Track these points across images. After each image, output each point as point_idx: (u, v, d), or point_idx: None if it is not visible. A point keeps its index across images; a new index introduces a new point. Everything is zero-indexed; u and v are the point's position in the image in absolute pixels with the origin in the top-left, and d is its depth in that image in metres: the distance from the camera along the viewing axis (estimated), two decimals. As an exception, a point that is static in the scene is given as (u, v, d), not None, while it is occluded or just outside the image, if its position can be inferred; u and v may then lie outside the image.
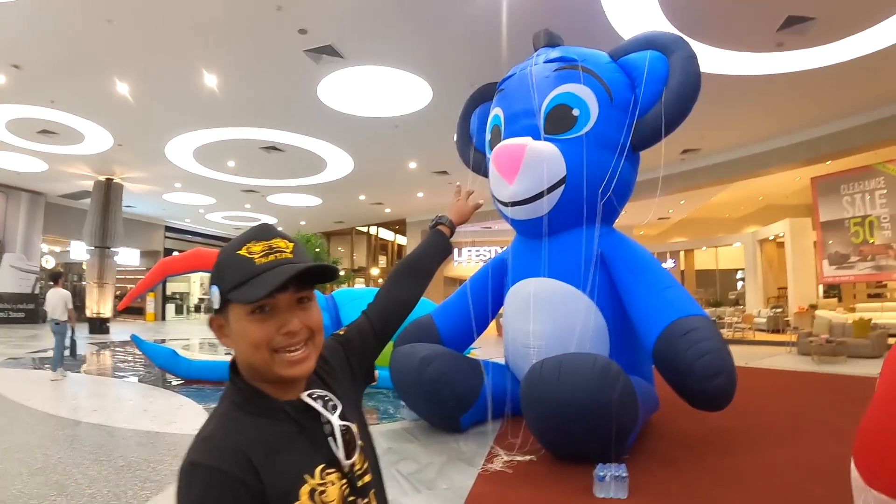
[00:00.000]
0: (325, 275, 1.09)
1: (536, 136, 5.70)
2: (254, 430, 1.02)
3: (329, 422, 1.09)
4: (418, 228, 26.26)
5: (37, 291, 22.25)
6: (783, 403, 7.50)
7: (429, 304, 9.57)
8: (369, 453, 1.20)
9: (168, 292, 31.68)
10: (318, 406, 1.09)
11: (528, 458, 4.94)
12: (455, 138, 7.47)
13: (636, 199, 7.07)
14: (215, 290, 1.06)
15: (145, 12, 8.79)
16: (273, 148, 16.00)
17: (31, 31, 9.45)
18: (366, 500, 1.11)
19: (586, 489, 4.06)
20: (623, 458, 4.48)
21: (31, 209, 22.31)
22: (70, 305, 10.08)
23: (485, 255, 27.91)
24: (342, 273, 22.51)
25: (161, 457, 5.14)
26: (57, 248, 27.75)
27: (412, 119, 13.13)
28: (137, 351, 10.67)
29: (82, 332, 16.47)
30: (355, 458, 1.10)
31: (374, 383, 4.59)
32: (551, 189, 5.54)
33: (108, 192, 20.14)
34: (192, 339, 18.38)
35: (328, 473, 1.04)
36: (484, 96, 6.99)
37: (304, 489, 1.00)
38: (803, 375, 10.22)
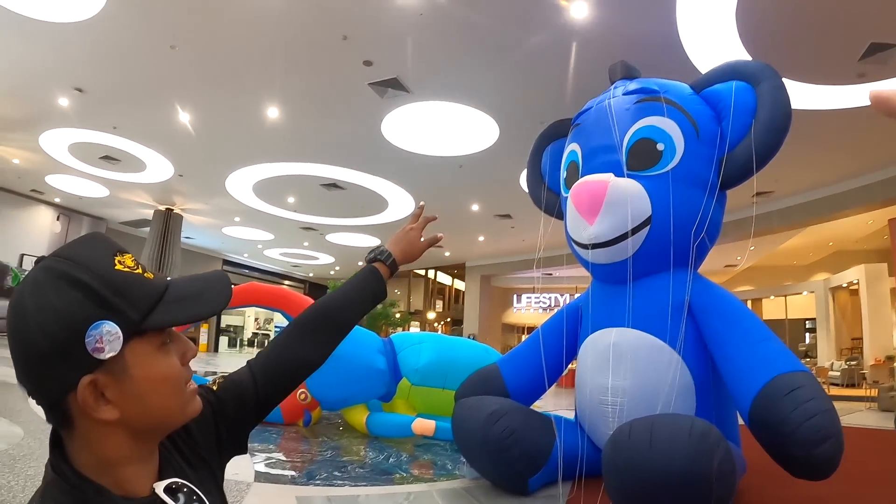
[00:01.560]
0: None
1: (618, 173, 5.28)
2: None
3: None
4: (478, 273, 25.99)
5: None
6: (878, 466, 6.74)
7: (493, 352, 9.17)
8: None
9: (222, 324, 31.97)
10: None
11: None
12: (525, 177, 7.12)
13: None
14: (111, 328, 0.73)
15: (209, 39, 8.82)
16: (334, 185, 15.98)
17: (95, 53, 9.61)
18: None
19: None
20: (717, 537, 3.90)
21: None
22: None
23: (545, 303, 27.38)
24: (398, 316, 22.26)
25: None
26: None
27: (477, 159, 12.88)
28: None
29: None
30: None
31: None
32: (636, 230, 5.10)
33: (168, 223, 20.48)
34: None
35: None
36: (557, 132, 6.59)
37: None
38: (892, 435, 9.37)
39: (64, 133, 13.93)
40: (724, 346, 4.81)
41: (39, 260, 0.79)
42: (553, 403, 7.61)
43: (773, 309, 28.80)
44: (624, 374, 5.09)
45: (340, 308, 1.24)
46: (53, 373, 0.73)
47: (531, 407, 6.18)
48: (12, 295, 0.77)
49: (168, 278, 0.85)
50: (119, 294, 0.75)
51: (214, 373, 13.42)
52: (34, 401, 0.75)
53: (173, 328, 0.83)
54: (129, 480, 0.78)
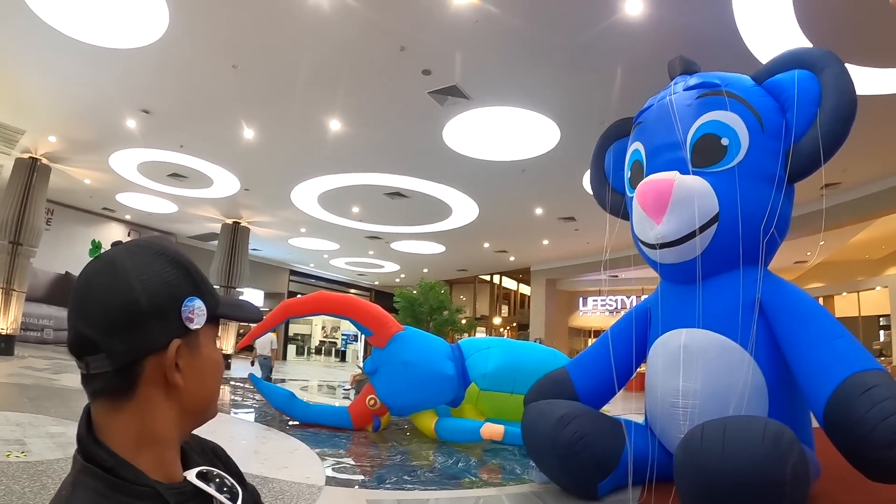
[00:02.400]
0: None
1: (683, 171, 5.16)
2: None
3: None
4: (543, 277, 25.80)
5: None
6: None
7: (561, 356, 9.09)
8: None
9: (290, 333, 32.61)
10: (211, 491, 0.83)
11: None
12: (588, 179, 7.03)
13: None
14: (201, 305, 0.81)
15: (269, 58, 9.09)
16: (398, 194, 16.15)
17: (160, 76, 10.09)
18: None
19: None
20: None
21: (161, 248, 23.91)
22: (275, 346, 13.54)
23: (611, 306, 26.99)
24: (464, 322, 22.34)
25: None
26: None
27: (539, 162, 12.81)
28: (254, 390, 10.70)
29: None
30: None
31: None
32: (703, 228, 4.98)
33: (235, 236, 21.22)
34: (311, 380, 18.58)
35: None
36: (619, 132, 6.53)
37: None
38: None
39: (133, 153, 14.65)
40: (797, 344, 4.64)
41: (116, 244, 0.85)
42: (622, 407, 7.47)
43: (845, 306, 27.45)
44: (695, 375, 4.97)
45: None
46: (145, 330, 0.76)
47: (601, 411, 6.14)
48: (94, 260, 0.82)
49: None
50: (203, 282, 0.85)
51: (283, 380, 13.73)
52: (95, 366, 0.76)
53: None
54: (165, 464, 0.80)
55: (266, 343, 13.32)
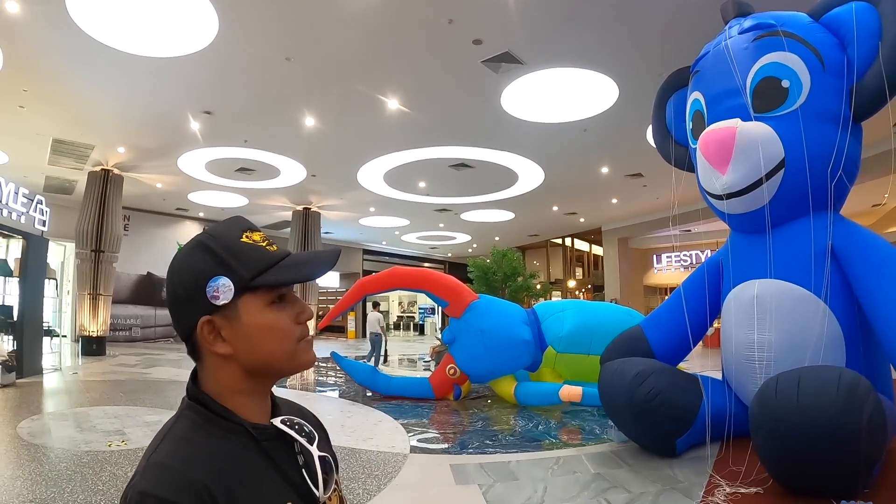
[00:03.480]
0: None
1: (745, 117, 5.02)
2: (216, 458, 0.89)
3: (303, 451, 1.00)
4: (614, 236, 25.38)
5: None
6: None
7: (636, 314, 9.04)
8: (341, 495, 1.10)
9: (368, 311, 33.12)
10: (293, 433, 1.00)
11: (753, 490, 4.27)
12: (650, 134, 6.91)
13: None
14: (222, 281, 0.93)
15: (320, 46, 9.22)
16: (462, 165, 16.15)
17: (217, 78, 10.43)
18: None
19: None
20: (866, 494, 3.76)
21: (236, 242, 24.96)
22: (383, 324, 14.57)
23: (686, 261, 26.35)
24: (539, 287, 22.22)
25: (355, 474, 5.15)
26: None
27: (600, 120, 12.55)
28: (338, 367, 11.01)
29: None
30: (331, 493, 1.02)
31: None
32: (770, 175, 4.85)
33: (307, 221, 21.84)
34: (392, 355, 18.98)
35: None
36: (677, 82, 6.37)
37: None
38: None
39: (199, 153, 15.20)
40: (873, 292, 4.48)
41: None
42: (700, 365, 7.39)
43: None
44: (769, 327, 4.90)
45: None
46: (185, 313, 0.95)
47: (678, 367, 6.11)
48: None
49: (290, 251, 1.05)
50: (236, 258, 0.95)
51: (363, 357, 14.08)
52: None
53: (290, 292, 1.03)
54: (251, 409, 0.97)
55: (374, 321, 14.44)
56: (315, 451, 1.00)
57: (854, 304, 4.67)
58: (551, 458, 5.60)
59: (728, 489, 4.32)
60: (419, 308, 38.73)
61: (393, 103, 11.50)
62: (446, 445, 6.42)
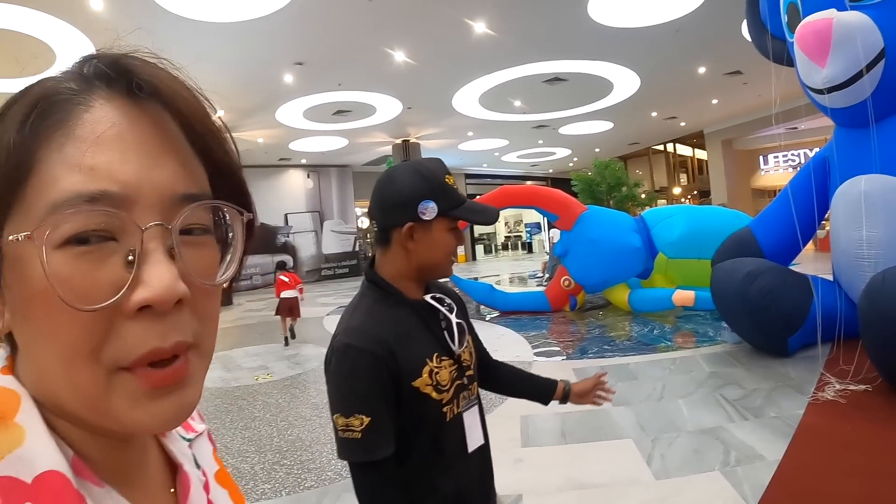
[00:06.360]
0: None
1: (841, 7, 4.87)
2: (392, 322, 1.30)
3: (446, 318, 1.38)
4: (717, 139, 24.38)
5: (357, 249, 26.08)
6: None
7: (744, 217, 8.95)
8: (475, 353, 1.50)
9: (476, 234, 33.61)
10: (438, 305, 1.38)
11: (863, 387, 4.42)
12: (746, 29, 6.76)
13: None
14: (431, 205, 1.30)
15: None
16: (556, 79, 15.97)
17: (303, 29, 10.87)
18: (470, 386, 1.41)
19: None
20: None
21: (340, 181, 26.11)
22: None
23: (794, 161, 24.99)
24: (643, 196, 21.85)
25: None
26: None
27: (693, 19, 12.07)
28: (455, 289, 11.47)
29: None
30: (464, 349, 1.39)
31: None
32: (870, 66, 4.73)
33: (407, 153, 22.08)
34: (502, 274, 19.44)
35: (442, 359, 1.33)
36: (771, -25, 6.17)
37: (426, 369, 1.29)
38: None
39: (296, 103, 15.89)
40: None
41: (399, 163, 1.40)
42: (812, 268, 7.36)
43: None
44: (877, 223, 4.88)
45: (510, 383, 1.75)
46: (394, 214, 1.30)
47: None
48: (385, 172, 1.39)
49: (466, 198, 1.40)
50: (443, 192, 1.32)
51: (476, 278, 14.51)
52: (373, 227, 1.38)
53: (459, 227, 1.39)
54: (412, 291, 1.37)
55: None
56: (454, 318, 1.38)
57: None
58: (668, 360, 5.94)
59: (838, 385, 4.49)
60: (525, 226, 38.89)
61: (479, 26, 11.54)
62: (568, 352, 6.85)
